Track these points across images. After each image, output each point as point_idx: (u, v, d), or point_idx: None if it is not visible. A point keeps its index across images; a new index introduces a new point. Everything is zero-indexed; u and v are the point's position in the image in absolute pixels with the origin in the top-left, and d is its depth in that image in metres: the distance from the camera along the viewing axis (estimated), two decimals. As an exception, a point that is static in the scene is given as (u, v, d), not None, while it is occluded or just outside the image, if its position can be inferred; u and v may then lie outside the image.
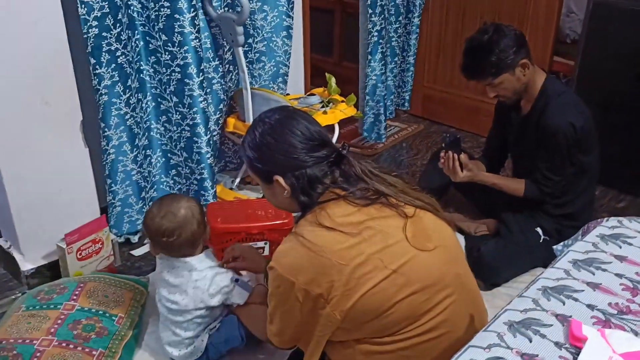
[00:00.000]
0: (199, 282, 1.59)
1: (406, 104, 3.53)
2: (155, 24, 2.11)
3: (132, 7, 2.06)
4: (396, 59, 3.32)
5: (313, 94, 2.74)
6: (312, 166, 1.25)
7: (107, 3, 1.93)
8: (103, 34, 1.96)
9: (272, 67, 2.71)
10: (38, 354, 1.56)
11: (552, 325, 0.96)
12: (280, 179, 1.27)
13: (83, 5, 1.88)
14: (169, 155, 2.37)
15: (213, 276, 1.61)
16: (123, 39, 2.03)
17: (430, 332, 1.21)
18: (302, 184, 1.26)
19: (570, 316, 0.98)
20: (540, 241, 2.07)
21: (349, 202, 1.24)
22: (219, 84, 2.48)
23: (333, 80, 2.69)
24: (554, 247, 1.41)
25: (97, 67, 1.99)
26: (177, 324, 1.63)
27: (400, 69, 3.40)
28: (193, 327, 1.63)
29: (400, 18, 3.22)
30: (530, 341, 0.93)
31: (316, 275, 1.17)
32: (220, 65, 2.46)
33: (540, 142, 1.96)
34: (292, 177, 1.26)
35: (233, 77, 2.57)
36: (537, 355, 0.89)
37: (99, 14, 1.92)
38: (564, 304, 1.01)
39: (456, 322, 1.23)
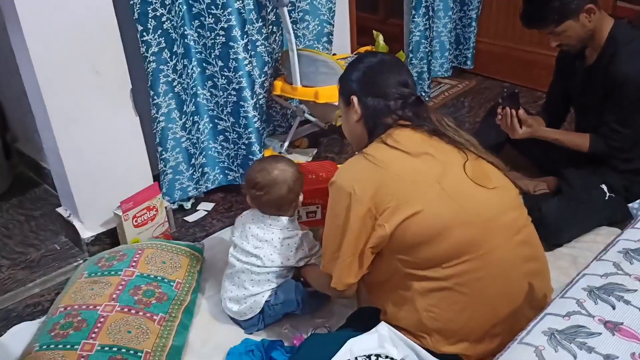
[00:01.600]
0: (289, 240, 1.65)
1: (468, 62, 3.32)
2: (199, -14, 2.07)
3: (174, -30, 2.01)
4: (450, 13, 3.15)
5: (360, 53, 2.66)
6: (389, 98, 1.34)
7: (150, -33, 1.89)
8: (148, -1, 1.93)
9: (316, 27, 2.63)
10: (102, 319, 1.60)
11: (636, 290, 0.89)
12: (355, 100, 1.37)
13: (127, -29, 1.85)
14: (216, 120, 2.35)
15: (302, 237, 1.67)
16: (167, 3, 2.00)
17: (483, 270, 1.22)
18: (375, 109, 1.35)
19: (657, 280, 0.91)
20: (606, 198, 1.96)
21: (415, 129, 1.31)
22: (263, 46, 2.43)
23: (381, 38, 2.60)
24: (630, 205, 1.33)
25: (145, 34, 1.97)
26: (251, 278, 1.65)
27: (461, 24, 3.23)
28: (264, 284, 1.66)
29: None
30: (614, 308, 0.87)
31: (374, 186, 1.23)
32: (264, 27, 2.40)
33: (608, 92, 1.84)
34: (368, 101, 1.36)
35: (277, 38, 2.51)
36: (622, 323, 0.83)
37: (143, -21, 1.89)
38: (648, 268, 0.94)
39: (511, 265, 1.23)
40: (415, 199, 1.21)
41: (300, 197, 1.70)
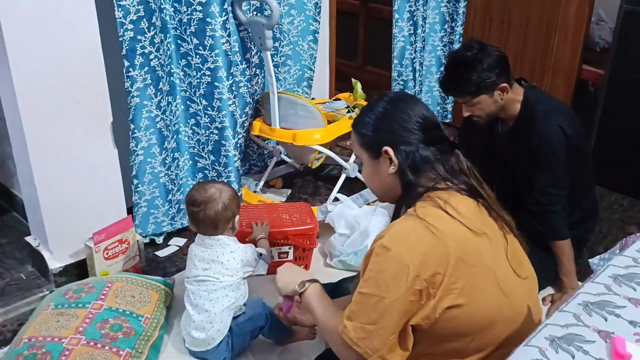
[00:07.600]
0: (234, 253, 1.72)
1: (449, 116, 3.47)
2: (187, 27, 2.13)
3: (165, 11, 2.07)
4: (442, 68, 3.30)
5: (339, 99, 2.75)
6: (424, 145, 1.21)
7: (142, 6, 1.95)
8: (138, 37, 1.98)
9: (297, 71, 2.72)
10: (67, 352, 1.57)
11: (594, 341, 0.94)
12: (391, 151, 1.21)
13: (120, 9, 1.90)
14: (196, 158, 2.38)
15: (244, 249, 1.76)
16: (156, 42, 2.05)
17: None
18: (412, 161, 1.20)
19: (613, 333, 0.96)
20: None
21: (460, 192, 1.18)
22: (245, 88, 2.49)
23: (359, 86, 2.69)
24: (590, 260, 1.39)
25: (131, 69, 2.01)
26: (210, 298, 1.68)
27: None
28: (223, 299, 1.69)
29: (446, 26, 3.20)
30: (573, 358, 0.91)
31: (435, 264, 1.09)
32: (248, 69, 2.47)
33: (537, 152, 1.89)
34: (403, 151, 1.21)
35: (259, 80, 2.58)
36: (580, 372, 0.88)
37: (134, 17, 1.94)
38: (606, 320, 0.99)
39: None
40: (472, 286, 1.11)
41: (237, 218, 1.75)
